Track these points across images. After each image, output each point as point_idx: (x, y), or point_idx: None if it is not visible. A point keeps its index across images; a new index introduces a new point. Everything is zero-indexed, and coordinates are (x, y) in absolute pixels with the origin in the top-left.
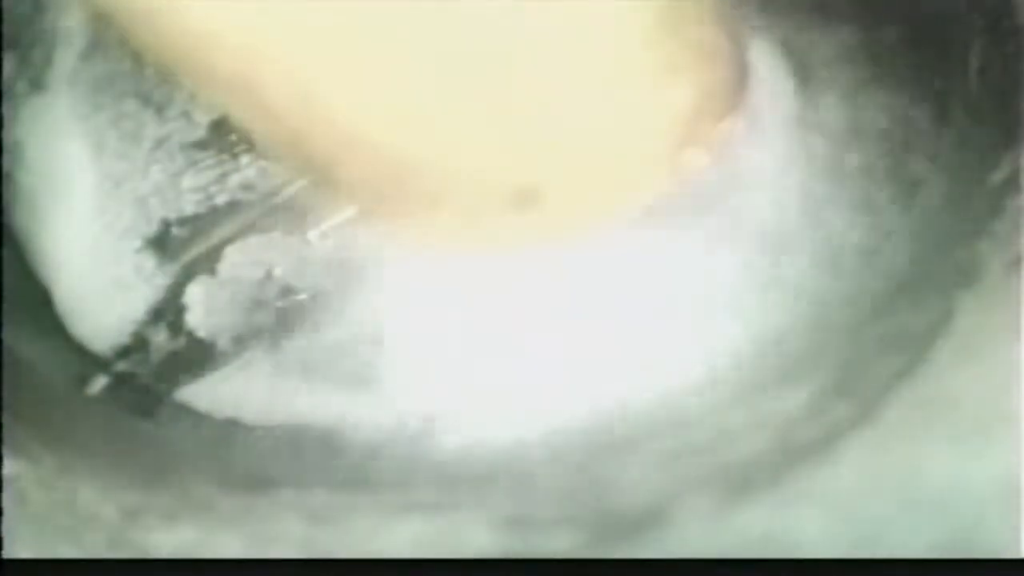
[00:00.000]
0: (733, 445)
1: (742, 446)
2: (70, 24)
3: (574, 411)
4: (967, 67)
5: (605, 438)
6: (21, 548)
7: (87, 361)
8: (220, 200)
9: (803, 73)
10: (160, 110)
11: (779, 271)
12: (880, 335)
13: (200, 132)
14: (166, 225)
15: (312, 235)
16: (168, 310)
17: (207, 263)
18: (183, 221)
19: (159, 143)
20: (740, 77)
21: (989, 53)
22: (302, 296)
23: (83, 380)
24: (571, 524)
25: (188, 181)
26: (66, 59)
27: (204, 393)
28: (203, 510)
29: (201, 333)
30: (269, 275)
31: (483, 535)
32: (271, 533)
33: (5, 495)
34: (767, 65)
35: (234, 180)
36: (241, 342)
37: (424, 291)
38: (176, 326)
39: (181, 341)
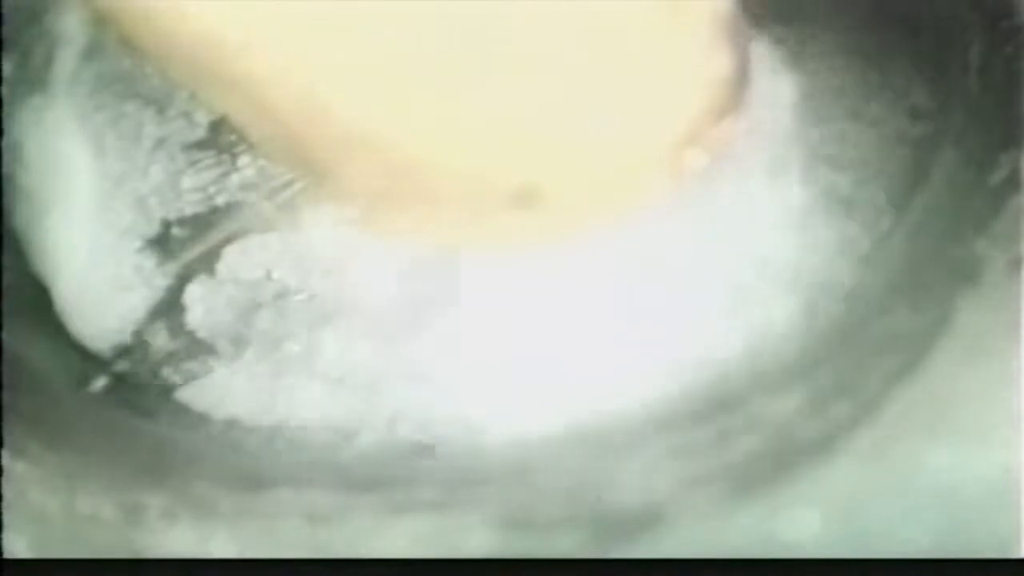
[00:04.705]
0: (733, 445)
1: (742, 446)
2: (70, 24)
3: (574, 411)
4: (967, 67)
5: (605, 438)
6: (21, 548)
7: (87, 361)
8: (220, 200)
9: (803, 73)
10: (160, 110)
11: (778, 271)
12: (880, 335)
13: (200, 132)
14: (166, 225)
15: (312, 235)
16: (168, 310)
17: (207, 263)
18: (183, 221)
19: (159, 143)
20: (740, 77)
21: (989, 53)
22: (302, 296)
23: (83, 380)
24: (571, 524)
25: (188, 181)
26: (66, 59)
27: (204, 393)
28: (203, 510)
29: (201, 333)
30: (269, 275)
31: (483, 535)
32: (271, 533)
33: (5, 495)
34: (767, 65)
35: (234, 180)
36: (241, 342)
37: (423, 290)
38: (176, 326)
39: (181, 341)
